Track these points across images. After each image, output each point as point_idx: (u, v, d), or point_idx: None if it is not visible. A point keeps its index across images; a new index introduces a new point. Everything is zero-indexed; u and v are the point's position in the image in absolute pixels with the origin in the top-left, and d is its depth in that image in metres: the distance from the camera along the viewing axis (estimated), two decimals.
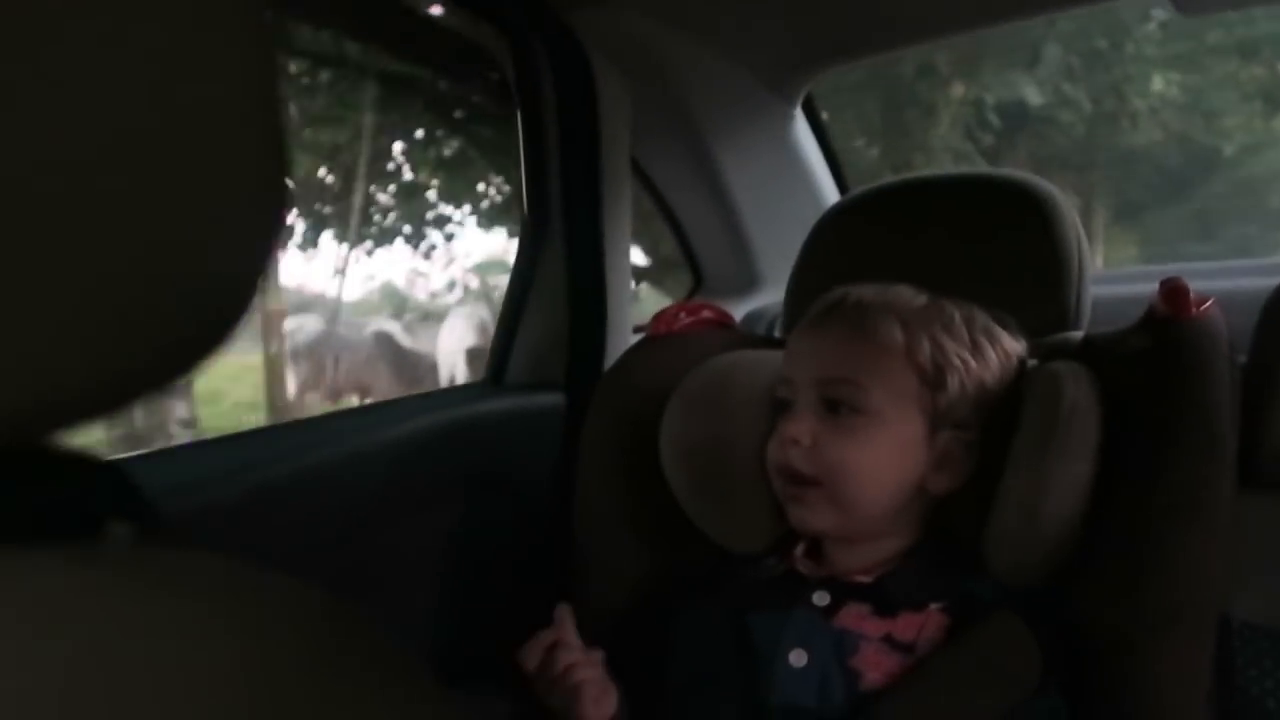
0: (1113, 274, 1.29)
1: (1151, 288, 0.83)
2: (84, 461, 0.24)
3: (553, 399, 1.16)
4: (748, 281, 1.43)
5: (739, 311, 1.37)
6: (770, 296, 1.39)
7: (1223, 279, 1.18)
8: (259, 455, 0.84)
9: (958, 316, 0.81)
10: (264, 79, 0.23)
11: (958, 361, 0.78)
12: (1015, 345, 0.84)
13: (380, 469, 0.94)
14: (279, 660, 0.21)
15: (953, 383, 0.77)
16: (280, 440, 0.90)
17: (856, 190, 1.13)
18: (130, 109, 0.20)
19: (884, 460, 0.77)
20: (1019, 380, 0.81)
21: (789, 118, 1.35)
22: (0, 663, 0.18)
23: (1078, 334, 0.92)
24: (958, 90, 3.68)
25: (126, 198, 0.20)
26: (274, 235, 0.24)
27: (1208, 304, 0.81)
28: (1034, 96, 3.46)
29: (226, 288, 0.23)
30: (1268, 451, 0.80)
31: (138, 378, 0.22)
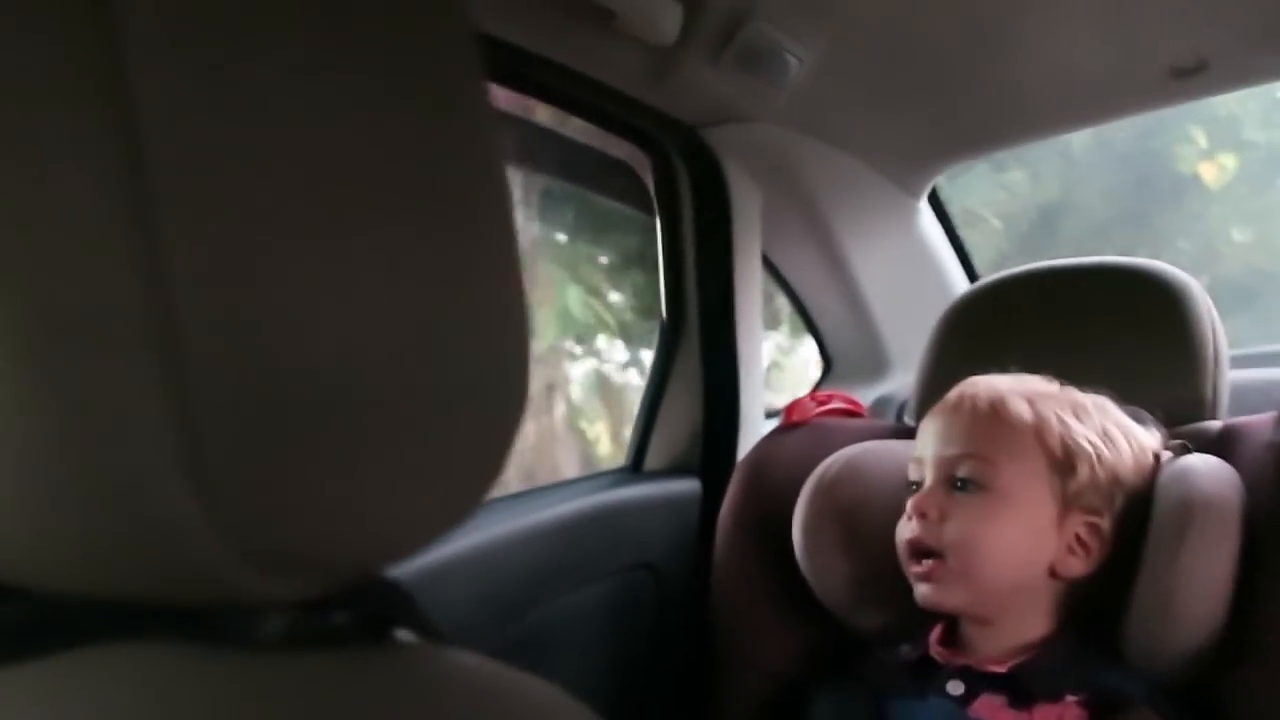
0: (1251, 355, 1.26)
1: None
2: (383, 585, 0.30)
3: (690, 485, 1.22)
4: (876, 368, 1.46)
5: (867, 397, 1.40)
6: (898, 382, 1.42)
7: None
8: None
9: (1089, 404, 0.83)
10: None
11: (1088, 447, 0.79)
12: (1149, 438, 0.84)
13: (530, 553, 1.00)
14: None
15: (1082, 468, 0.79)
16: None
17: (986, 279, 1.15)
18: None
19: (1010, 538, 0.78)
20: (1155, 473, 0.82)
21: (915, 210, 1.39)
22: None
23: (1216, 424, 0.92)
24: None
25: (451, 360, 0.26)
26: (529, 353, 0.29)
27: None
28: None
29: (505, 407, 0.28)
30: None
31: (450, 510, 0.28)
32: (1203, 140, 2.39)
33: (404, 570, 0.91)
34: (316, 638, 0.26)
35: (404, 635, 0.29)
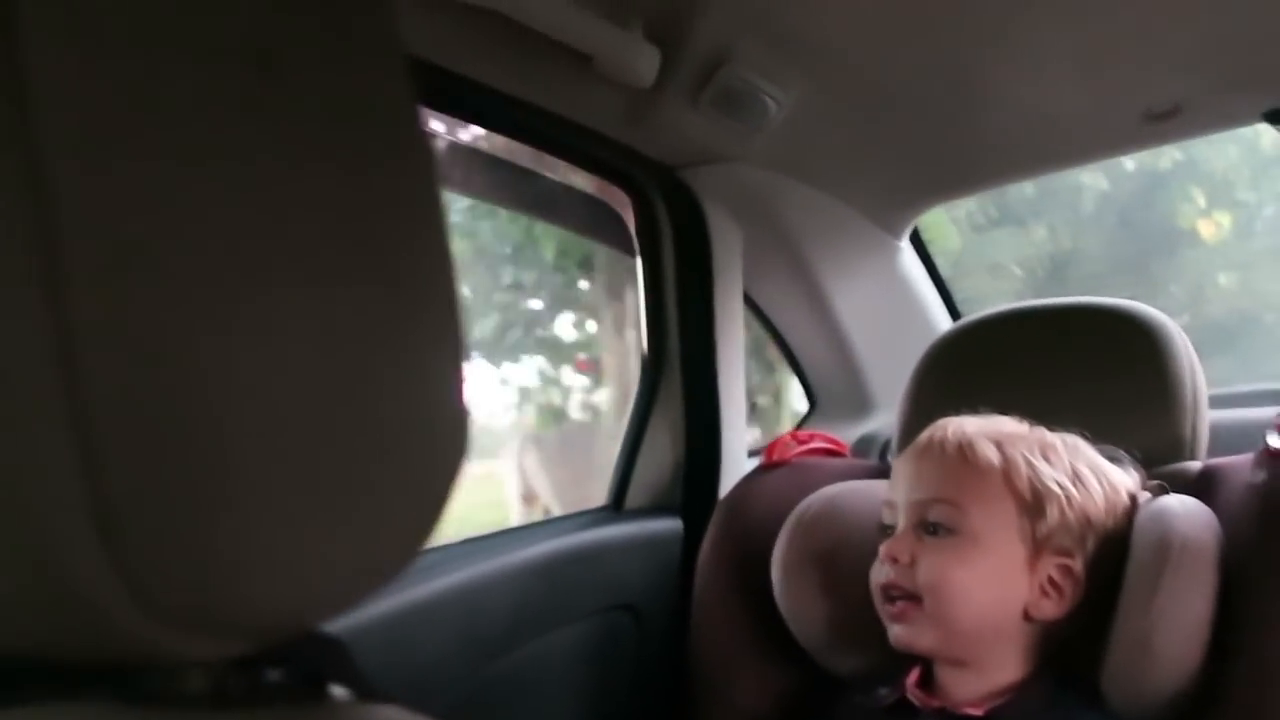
0: (1231, 395, 1.26)
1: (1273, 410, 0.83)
2: (318, 640, 0.30)
3: (671, 524, 1.21)
4: (860, 407, 1.47)
5: (852, 435, 1.40)
6: (881, 421, 1.42)
7: None
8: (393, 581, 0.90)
9: (1060, 445, 0.83)
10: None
11: (1057, 489, 0.79)
12: (1125, 478, 0.84)
13: (509, 594, 0.99)
14: None
15: (1052, 510, 0.79)
16: (415, 564, 0.96)
17: (966, 318, 1.15)
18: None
19: (981, 581, 0.78)
20: (1131, 515, 0.82)
21: (896, 250, 1.40)
22: None
23: (1195, 464, 0.92)
24: None
25: (362, 400, 0.25)
26: (468, 405, 0.29)
27: None
28: None
29: (441, 461, 0.28)
30: None
31: (385, 562, 0.28)
32: (1201, 200, 2.68)
33: (381, 608, 0.90)
34: (247, 696, 0.26)
35: (339, 693, 0.29)
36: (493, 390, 2.37)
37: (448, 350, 0.27)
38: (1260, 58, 1.01)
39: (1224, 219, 2.69)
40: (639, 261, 1.20)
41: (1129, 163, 2.68)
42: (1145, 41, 0.99)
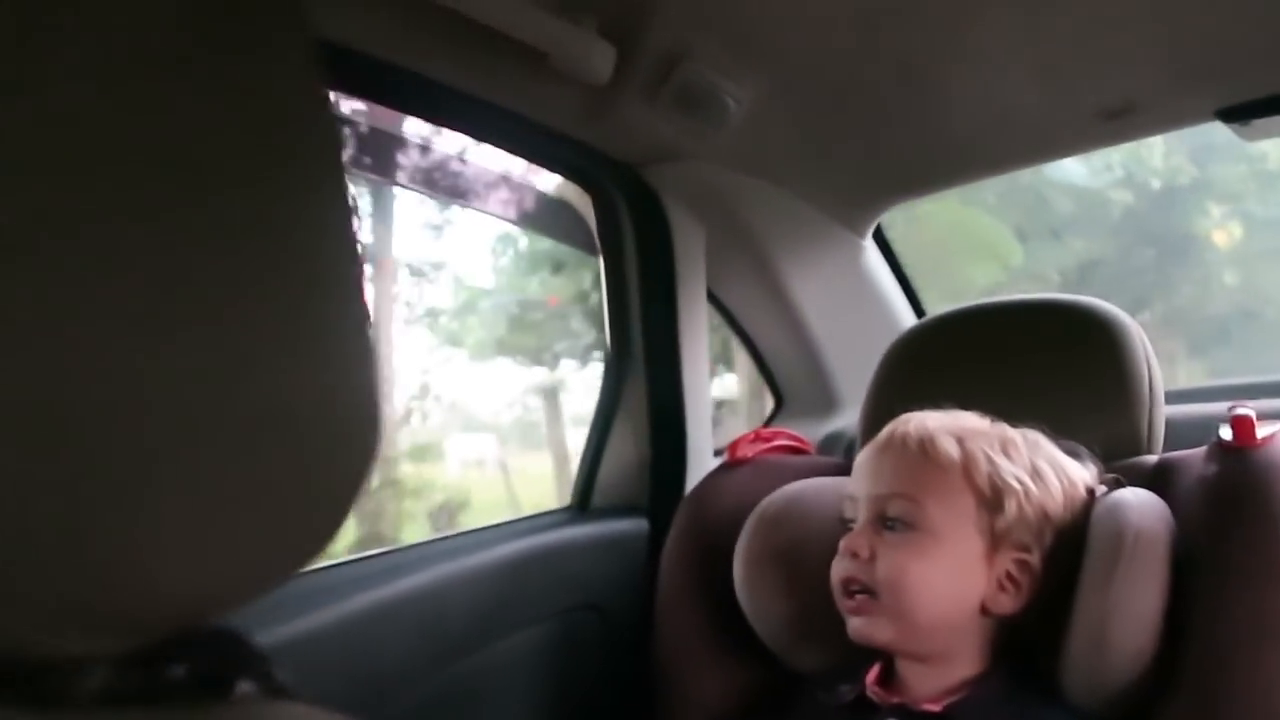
0: (1191, 391, 1.28)
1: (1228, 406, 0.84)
2: (223, 635, 0.29)
3: (637, 524, 1.21)
4: (826, 404, 1.47)
5: (819, 433, 1.40)
6: (849, 418, 1.42)
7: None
8: (354, 583, 0.90)
9: (1019, 441, 0.83)
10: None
11: (1016, 484, 0.79)
12: (1083, 473, 0.85)
13: (473, 595, 0.99)
14: None
15: (1011, 506, 0.79)
16: (374, 566, 0.96)
17: (929, 316, 1.16)
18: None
19: (939, 575, 0.79)
20: (1088, 508, 0.83)
21: (860, 248, 1.41)
22: None
23: (1151, 458, 0.93)
24: None
25: (261, 390, 0.25)
26: (380, 401, 0.28)
27: (1275, 431, 0.82)
28: None
29: (349, 456, 0.27)
30: None
31: (289, 554, 0.28)
32: (1216, 212, 3.13)
33: (342, 611, 0.89)
34: (147, 693, 0.25)
35: (246, 688, 0.28)
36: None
37: (356, 338, 0.26)
38: (1211, 56, 1.03)
39: (1235, 229, 3.07)
40: (601, 260, 1.20)
41: (1154, 180, 3.12)
42: (1097, 40, 1.00)
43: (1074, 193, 3.19)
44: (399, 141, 1.10)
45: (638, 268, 1.19)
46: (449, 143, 1.07)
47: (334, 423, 0.26)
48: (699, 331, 1.24)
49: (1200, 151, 3.13)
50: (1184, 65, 1.05)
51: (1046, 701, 0.78)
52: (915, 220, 2.89)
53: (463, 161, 1.09)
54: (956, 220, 3.07)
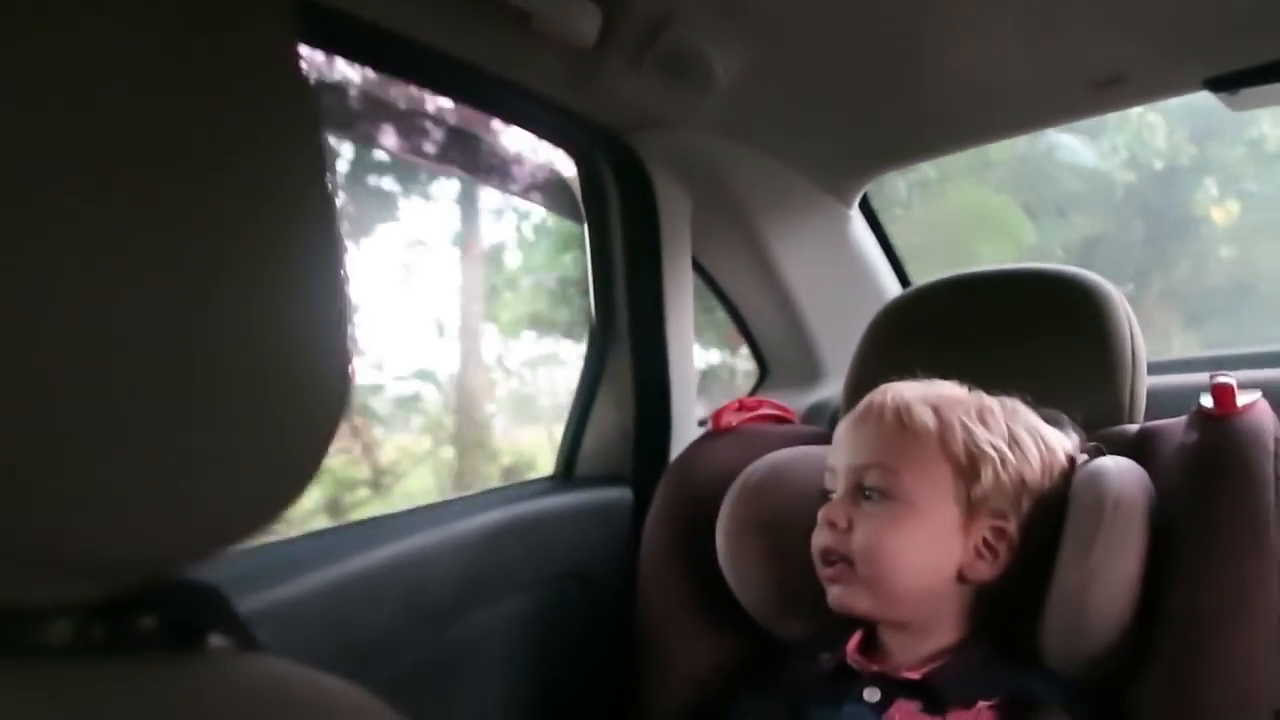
0: (1174, 362, 1.29)
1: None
2: (194, 588, 0.29)
3: (621, 493, 1.21)
4: (812, 374, 1.47)
5: (804, 403, 1.41)
6: (833, 388, 1.42)
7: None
8: (336, 550, 0.89)
9: (997, 409, 0.83)
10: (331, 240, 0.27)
11: (992, 452, 0.80)
12: (1063, 440, 0.85)
13: (456, 563, 0.99)
14: None
15: (987, 473, 0.79)
16: (357, 535, 0.96)
17: (913, 286, 1.16)
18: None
19: (916, 544, 0.79)
20: (1068, 475, 0.83)
21: (846, 218, 1.40)
22: None
23: (1133, 427, 0.93)
24: None
25: (229, 338, 0.24)
26: (350, 358, 0.28)
27: (1255, 399, 0.82)
28: None
29: (318, 411, 0.27)
30: None
31: (258, 506, 0.27)
32: (1214, 190, 3.30)
33: (322, 579, 0.89)
34: (114, 644, 0.25)
35: (218, 642, 0.28)
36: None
37: (327, 288, 0.26)
38: (1201, 25, 1.02)
39: (1233, 206, 3.25)
40: (585, 228, 1.19)
41: (1156, 161, 3.27)
42: (1089, 9, 0.99)
43: (1081, 173, 3.31)
44: (386, 106, 1.08)
45: (622, 235, 1.18)
46: (428, 105, 1.06)
47: (303, 375, 0.26)
48: (684, 300, 1.24)
49: (1201, 133, 3.25)
50: (1173, 35, 1.04)
51: (1025, 667, 0.79)
52: (931, 199, 3.14)
53: (439, 123, 1.08)
54: (971, 200, 3.17)
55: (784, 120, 1.20)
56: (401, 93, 1.06)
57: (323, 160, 0.26)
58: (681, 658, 0.96)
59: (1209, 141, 3.32)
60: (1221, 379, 0.83)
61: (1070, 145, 3.17)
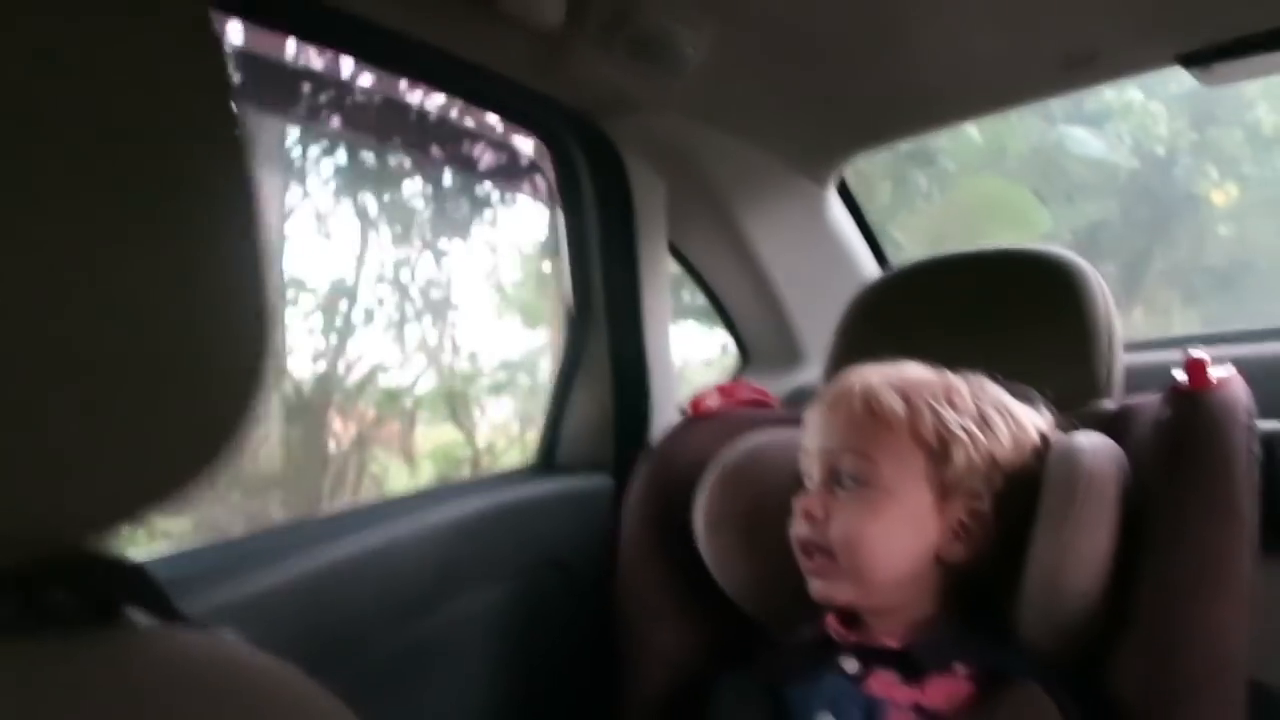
0: (1152, 341, 1.29)
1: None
2: (109, 562, 0.29)
3: (602, 481, 1.20)
4: (792, 358, 1.47)
5: (784, 387, 1.40)
6: (815, 372, 1.42)
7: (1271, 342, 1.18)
8: (314, 541, 0.89)
9: (965, 390, 0.83)
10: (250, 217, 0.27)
11: (963, 434, 0.79)
12: (1035, 418, 0.85)
13: (433, 553, 0.98)
14: None
15: (959, 455, 0.79)
16: (335, 526, 0.95)
17: (891, 268, 1.16)
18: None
19: (894, 532, 0.79)
20: (1041, 452, 0.83)
21: (823, 200, 1.40)
22: None
23: (1110, 403, 0.93)
24: None
25: (140, 317, 0.24)
26: (269, 330, 0.27)
27: (1228, 375, 0.82)
28: None
29: (234, 383, 0.27)
30: None
31: (166, 480, 0.27)
32: (1214, 173, 3.45)
33: (297, 569, 0.88)
34: (24, 618, 0.24)
35: (137, 617, 0.27)
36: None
37: (243, 249, 0.25)
38: (1172, 2, 1.02)
39: (1232, 189, 3.44)
40: (560, 213, 1.18)
41: (1159, 147, 3.46)
42: None
43: (1088, 162, 3.50)
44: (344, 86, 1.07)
45: (597, 221, 1.17)
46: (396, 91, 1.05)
47: (218, 346, 0.25)
48: (661, 286, 1.23)
49: (1201, 118, 3.45)
50: (1145, 11, 1.04)
51: (1001, 641, 0.79)
52: (950, 189, 3.36)
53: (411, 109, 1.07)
54: (988, 190, 3.38)
55: (756, 102, 1.19)
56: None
57: (237, 133, 0.25)
58: (661, 641, 0.96)
59: (1208, 127, 3.49)
60: (1195, 354, 0.83)
61: (1080, 137, 3.43)
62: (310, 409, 2.18)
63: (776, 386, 1.35)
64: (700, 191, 1.28)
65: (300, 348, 2.12)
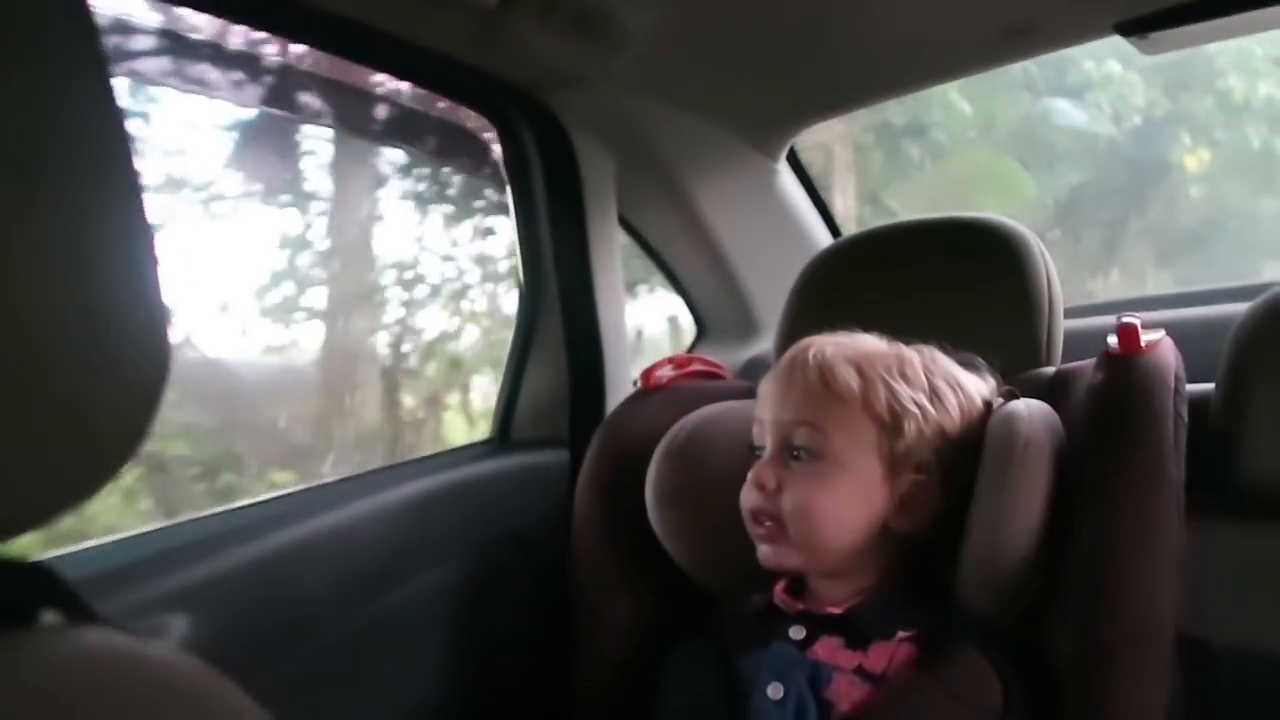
0: (1096, 305, 1.31)
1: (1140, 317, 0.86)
2: (14, 564, 0.29)
3: (558, 455, 1.21)
4: (747, 330, 1.48)
5: (740, 358, 1.41)
6: (769, 343, 1.43)
7: (1217, 302, 1.20)
8: (268, 522, 0.89)
9: (918, 363, 0.84)
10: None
11: (914, 408, 0.81)
12: (982, 386, 0.87)
13: (388, 532, 0.98)
14: None
15: (910, 428, 0.81)
16: (287, 506, 0.95)
17: (842, 237, 1.17)
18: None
19: (844, 503, 0.81)
20: (985, 420, 0.85)
21: (773, 172, 1.40)
22: None
23: (1049, 369, 0.95)
24: None
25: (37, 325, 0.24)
26: (167, 345, 0.28)
27: (1158, 339, 0.85)
28: None
29: (134, 394, 0.27)
30: (1242, 480, 0.82)
31: (74, 480, 0.27)
32: (1187, 139, 3.67)
33: (258, 550, 0.88)
34: None
35: (49, 619, 0.28)
36: None
37: (134, 246, 0.25)
38: None
39: (1204, 154, 3.65)
40: (508, 191, 1.18)
41: (1136, 116, 3.66)
42: None
43: (1070, 132, 3.76)
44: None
45: (546, 197, 1.17)
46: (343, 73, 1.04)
47: (117, 343, 0.25)
48: (612, 260, 1.23)
49: (1174, 85, 3.69)
50: None
51: (942, 604, 0.81)
52: (942, 160, 3.57)
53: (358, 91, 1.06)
54: (977, 161, 3.62)
55: (703, 75, 1.19)
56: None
57: (115, 112, 0.25)
58: (614, 613, 0.98)
59: (1181, 93, 3.73)
60: (1127, 319, 0.85)
61: (1063, 108, 3.70)
62: (392, 375, 2.30)
63: (731, 358, 1.36)
64: (650, 165, 1.28)
65: (388, 323, 2.30)
